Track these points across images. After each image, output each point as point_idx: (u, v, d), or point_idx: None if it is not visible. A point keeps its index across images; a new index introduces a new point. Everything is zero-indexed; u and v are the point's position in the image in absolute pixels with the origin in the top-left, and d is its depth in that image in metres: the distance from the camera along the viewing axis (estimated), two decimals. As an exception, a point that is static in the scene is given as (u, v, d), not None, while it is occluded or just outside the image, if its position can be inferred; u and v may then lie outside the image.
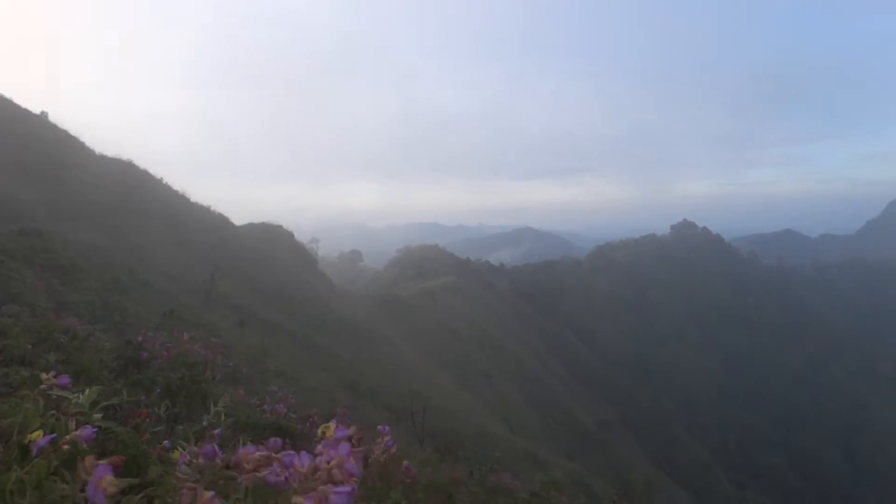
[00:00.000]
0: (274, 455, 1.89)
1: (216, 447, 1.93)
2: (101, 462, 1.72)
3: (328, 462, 1.71)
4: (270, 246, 63.35)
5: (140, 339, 6.56)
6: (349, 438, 1.81)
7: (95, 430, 2.13)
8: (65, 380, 2.20)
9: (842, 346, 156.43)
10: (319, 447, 1.79)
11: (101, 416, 2.17)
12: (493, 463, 19.28)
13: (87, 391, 2.21)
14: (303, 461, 1.72)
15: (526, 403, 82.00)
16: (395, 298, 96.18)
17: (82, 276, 22.09)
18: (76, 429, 1.95)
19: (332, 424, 1.82)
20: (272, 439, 1.96)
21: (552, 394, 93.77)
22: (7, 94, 59.00)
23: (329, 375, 35.43)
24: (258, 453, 1.93)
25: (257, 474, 1.76)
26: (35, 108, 62.22)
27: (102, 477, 1.68)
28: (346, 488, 1.65)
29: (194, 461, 1.90)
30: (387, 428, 2.83)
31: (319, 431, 1.83)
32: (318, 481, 1.67)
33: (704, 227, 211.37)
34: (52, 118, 62.92)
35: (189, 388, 5.83)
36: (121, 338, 9.58)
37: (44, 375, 2.21)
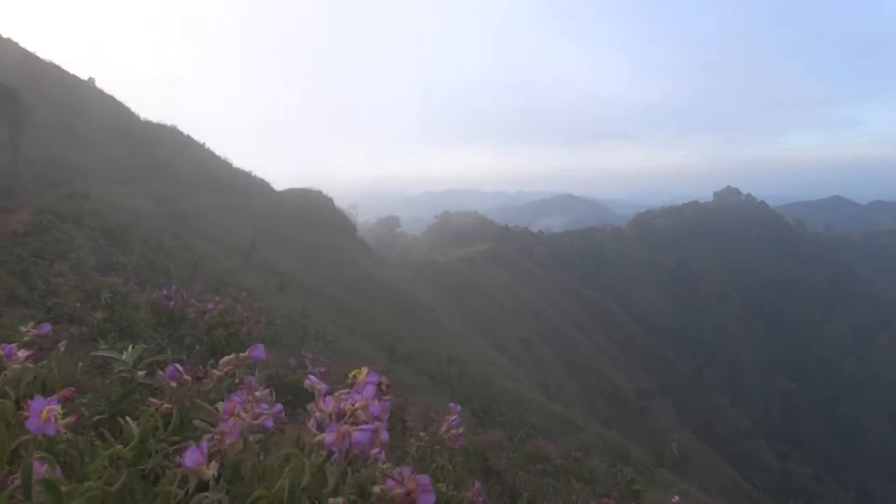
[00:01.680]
0: (242, 357, 1.94)
1: (177, 367, 1.95)
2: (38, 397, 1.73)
3: (353, 405, 1.72)
4: (310, 212, 63.91)
5: (165, 291, 6.69)
6: (378, 384, 1.80)
7: (50, 326, 2.20)
8: (46, 328, 2.24)
9: (891, 315, 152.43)
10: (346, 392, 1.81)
11: (144, 373, 2.23)
12: (530, 428, 19.39)
13: (130, 348, 2.26)
14: (326, 404, 1.74)
15: (564, 371, 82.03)
16: (432, 264, 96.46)
17: (128, 239, 22.60)
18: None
19: (364, 369, 1.83)
20: (276, 405, 1.97)
21: (591, 362, 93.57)
22: (56, 61, 60.10)
23: (367, 340, 35.84)
24: (225, 359, 1.98)
25: (254, 422, 1.78)
26: (83, 75, 63.34)
27: (43, 408, 1.69)
28: (370, 426, 1.66)
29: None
30: (458, 407, 2.86)
31: (350, 376, 1.83)
32: (343, 422, 1.68)
33: (749, 194, 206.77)
34: (99, 84, 64.04)
35: (233, 346, 5.92)
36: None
37: (22, 328, 2.23)
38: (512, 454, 9.57)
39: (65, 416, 1.73)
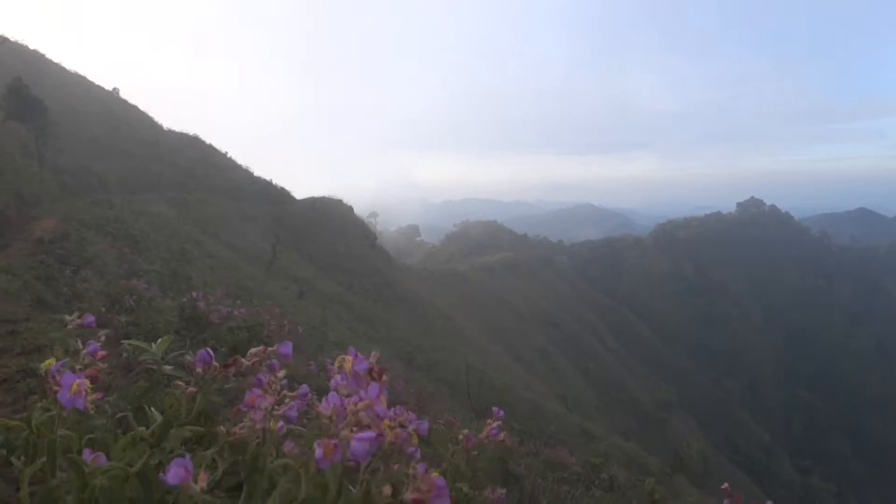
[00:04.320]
0: (269, 350, 1.91)
1: (210, 351, 1.96)
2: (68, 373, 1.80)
3: (355, 404, 1.57)
4: (330, 220, 64.23)
5: (195, 294, 6.81)
6: (370, 371, 1.65)
7: (94, 318, 2.30)
8: (89, 319, 2.34)
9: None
10: (336, 379, 1.67)
11: (171, 367, 2.30)
12: (548, 437, 19.37)
13: (159, 340, 2.34)
14: (328, 402, 1.59)
15: (583, 381, 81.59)
16: (452, 273, 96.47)
17: (151, 246, 22.86)
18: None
19: (349, 356, 1.67)
20: (302, 386, 1.93)
21: (610, 372, 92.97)
22: (81, 72, 61.07)
23: (386, 347, 35.90)
24: (253, 349, 1.96)
25: (276, 412, 1.74)
26: (108, 85, 64.24)
27: (73, 382, 1.74)
28: (369, 434, 1.49)
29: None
30: (501, 412, 2.76)
31: (336, 364, 1.69)
32: (346, 425, 1.54)
33: (773, 205, 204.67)
34: (124, 94, 64.91)
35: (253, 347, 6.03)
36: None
37: (67, 317, 2.34)
38: (531, 460, 9.59)
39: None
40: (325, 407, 1.58)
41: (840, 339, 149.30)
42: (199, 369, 1.93)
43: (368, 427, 1.53)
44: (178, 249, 26.14)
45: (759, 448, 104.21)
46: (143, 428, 1.86)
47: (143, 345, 2.29)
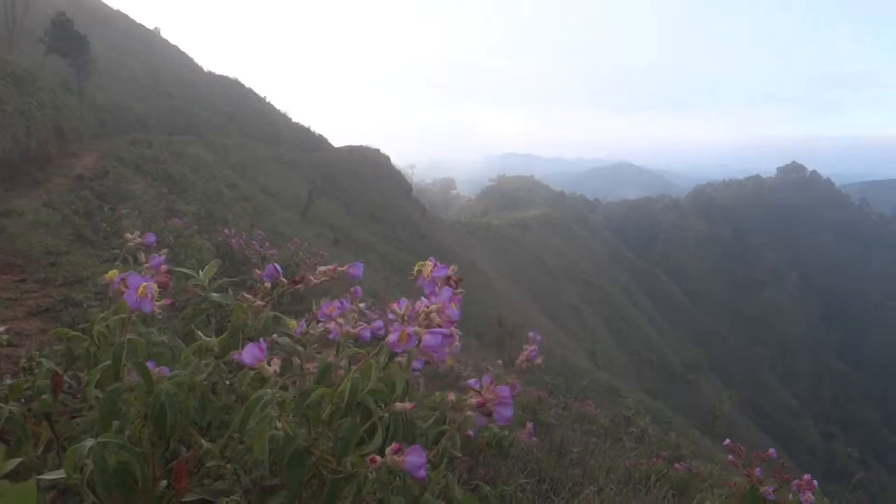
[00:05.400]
0: (340, 270, 1.88)
1: (276, 266, 1.94)
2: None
3: (427, 306, 1.62)
4: (367, 168, 64.17)
5: (227, 231, 6.80)
6: (448, 279, 1.69)
7: (155, 236, 2.25)
8: (151, 238, 2.27)
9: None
10: (418, 283, 1.71)
11: (218, 295, 2.25)
12: (578, 392, 19.40)
13: (206, 267, 2.28)
14: (400, 305, 1.66)
15: (613, 340, 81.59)
16: (486, 227, 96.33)
17: (189, 187, 23.02)
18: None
19: (430, 262, 1.74)
20: (377, 321, 1.93)
21: (640, 332, 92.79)
22: (123, 9, 61.15)
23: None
24: (323, 267, 1.93)
25: (351, 329, 1.73)
26: (149, 24, 64.33)
27: (140, 284, 1.70)
28: (442, 329, 1.55)
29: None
30: (538, 336, 2.78)
31: (415, 269, 1.75)
32: (417, 324, 1.58)
33: (814, 171, 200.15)
34: (165, 34, 64.97)
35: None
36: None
37: (128, 235, 2.28)
38: (561, 411, 9.58)
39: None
40: (399, 307, 1.65)
41: (874, 308, 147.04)
42: (266, 283, 1.91)
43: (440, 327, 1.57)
44: (215, 192, 26.30)
45: (786, 413, 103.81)
46: (210, 338, 1.83)
47: (189, 272, 2.24)
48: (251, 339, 1.81)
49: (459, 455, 1.61)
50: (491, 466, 3.80)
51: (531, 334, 2.62)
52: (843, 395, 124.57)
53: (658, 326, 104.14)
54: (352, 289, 1.88)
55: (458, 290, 1.70)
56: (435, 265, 1.72)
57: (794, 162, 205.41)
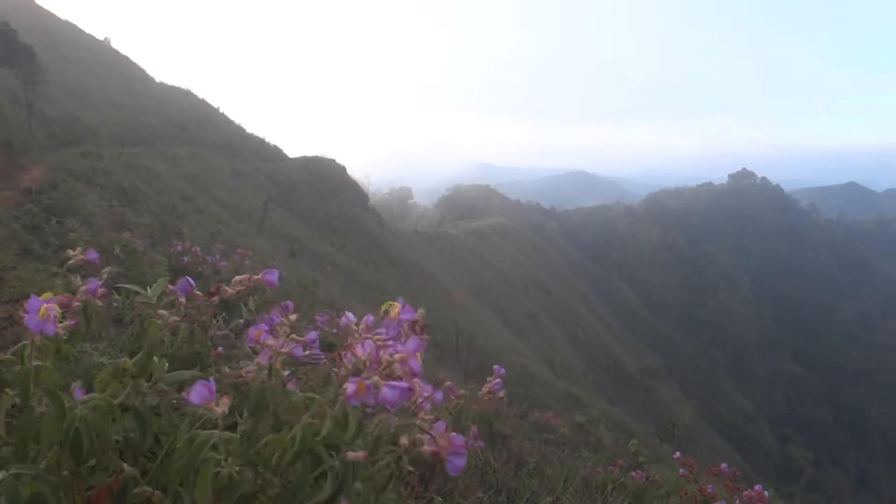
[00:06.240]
0: (255, 279, 1.84)
1: (190, 280, 1.89)
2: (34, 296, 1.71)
3: (391, 354, 1.57)
4: (323, 179, 63.73)
5: (179, 246, 6.69)
6: (413, 324, 1.64)
7: (97, 254, 2.19)
8: (93, 254, 2.22)
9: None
10: (382, 326, 1.65)
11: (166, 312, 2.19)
12: (534, 399, 19.46)
13: (154, 284, 2.22)
14: (364, 348, 1.58)
15: (571, 347, 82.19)
16: (443, 237, 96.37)
17: (141, 199, 22.61)
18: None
19: (398, 303, 1.68)
20: (311, 333, 1.88)
21: (598, 339, 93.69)
22: (72, 20, 59.97)
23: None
24: (238, 277, 1.88)
25: (283, 350, 1.68)
26: (99, 35, 63.21)
27: (41, 306, 1.66)
28: (401, 384, 1.49)
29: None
30: (502, 370, 2.76)
31: (382, 309, 1.69)
32: (379, 372, 1.54)
33: (764, 178, 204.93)
34: (115, 44, 63.90)
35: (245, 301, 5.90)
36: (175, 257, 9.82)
37: (70, 252, 2.22)
38: (518, 421, 9.60)
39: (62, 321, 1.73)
40: (362, 351, 1.57)
41: (825, 311, 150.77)
42: (181, 299, 1.85)
43: (400, 379, 1.53)
44: (168, 203, 25.87)
45: (740, 416, 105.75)
46: (125, 359, 1.77)
47: (137, 288, 2.18)
48: (166, 357, 1.78)
49: (412, 469, 1.58)
50: (447, 478, 3.77)
51: (496, 368, 2.64)
52: (797, 397, 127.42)
53: (615, 333, 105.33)
54: (282, 303, 1.82)
55: (424, 337, 1.67)
56: (403, 307, 1.67)
57: (744, 168, 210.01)
